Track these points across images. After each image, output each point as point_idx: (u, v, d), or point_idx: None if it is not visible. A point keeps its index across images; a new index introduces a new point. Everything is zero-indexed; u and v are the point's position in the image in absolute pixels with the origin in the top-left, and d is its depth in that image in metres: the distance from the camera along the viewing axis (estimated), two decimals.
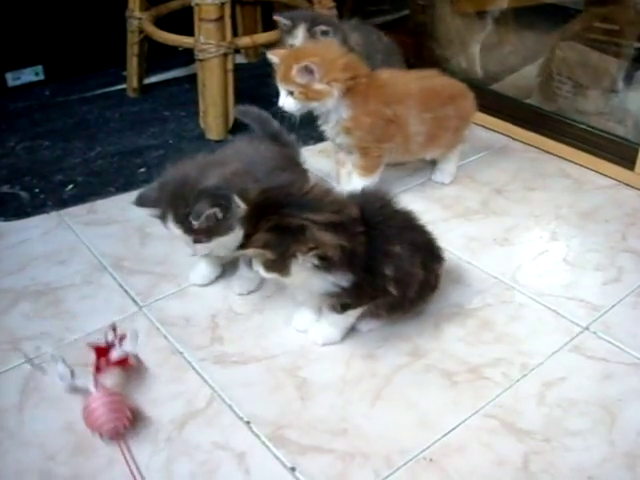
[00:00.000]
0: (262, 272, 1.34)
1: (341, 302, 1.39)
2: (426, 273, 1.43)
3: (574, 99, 2.16)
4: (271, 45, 2.17)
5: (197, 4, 2.14)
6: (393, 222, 1.41)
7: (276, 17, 2.11)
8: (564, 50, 2.16)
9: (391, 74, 1.89)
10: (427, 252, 1.46)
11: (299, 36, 2.06)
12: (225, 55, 2.20)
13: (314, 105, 1.78)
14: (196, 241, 1.49)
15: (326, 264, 1.28)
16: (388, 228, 1.39)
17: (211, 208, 1.41)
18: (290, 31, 2.08)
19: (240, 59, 2.76)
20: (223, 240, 1.48)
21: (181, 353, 1.45)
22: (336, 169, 2.00)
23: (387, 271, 1.36)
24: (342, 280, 1.32)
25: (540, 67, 2.27)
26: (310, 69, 1.71)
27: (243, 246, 1.30)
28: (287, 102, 1.78)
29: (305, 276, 1.31)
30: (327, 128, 1.85)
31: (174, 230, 1.47)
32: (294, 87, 1.75)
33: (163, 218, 1.48)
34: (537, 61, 2.30)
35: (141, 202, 1.49)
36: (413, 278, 1.40)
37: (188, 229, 1.46)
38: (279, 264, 1.29)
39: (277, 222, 1.26)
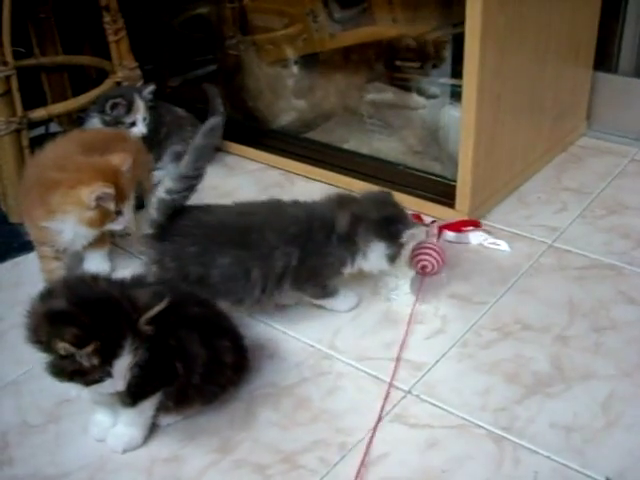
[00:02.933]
0: None
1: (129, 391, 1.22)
2: (212, 352, 1.30)
3: (388, 140, 2.08)
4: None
5: None
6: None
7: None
8: (370, 91, 2.09)
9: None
10: (210, 328, 1.33)
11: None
12: (18, 131, 2.03)
13: None
14: None
15: None
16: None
17: None
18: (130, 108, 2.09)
19: (55, 127, 2.61)
20: None
21: None
22: None
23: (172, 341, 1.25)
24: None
25: (351, 110, 2.18)
26: None
27: None
28: None
29: None
30: None
31: None
32: None
33: None
34: (349, 105, 2.21)
35: None
36: (194, 359, 1.28)
37: None
38: None
39: None
